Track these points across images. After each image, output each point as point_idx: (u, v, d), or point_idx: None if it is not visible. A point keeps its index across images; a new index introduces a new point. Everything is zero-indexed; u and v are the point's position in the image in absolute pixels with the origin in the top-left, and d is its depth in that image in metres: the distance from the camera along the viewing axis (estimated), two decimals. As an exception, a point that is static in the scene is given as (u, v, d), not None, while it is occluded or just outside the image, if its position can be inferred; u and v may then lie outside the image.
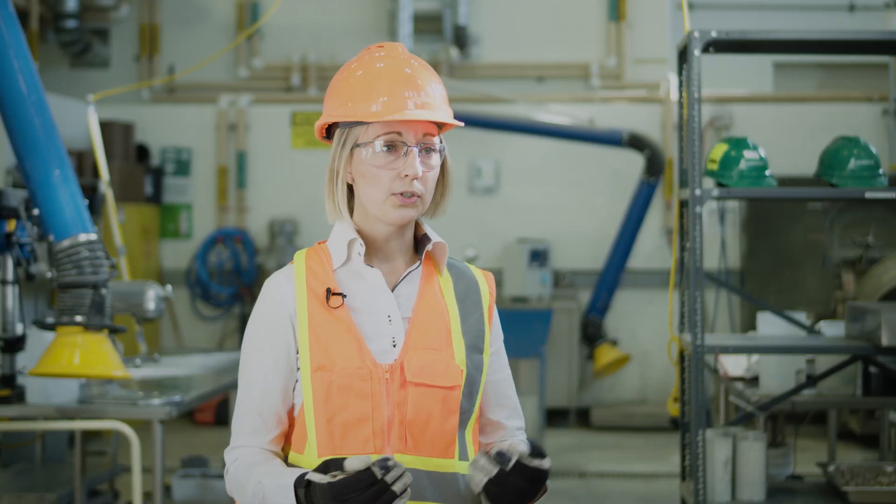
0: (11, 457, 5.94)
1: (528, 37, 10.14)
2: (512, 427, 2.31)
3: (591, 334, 9.36)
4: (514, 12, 10.16)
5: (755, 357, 5.58)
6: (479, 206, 9.81)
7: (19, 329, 4.57)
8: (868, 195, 4.70)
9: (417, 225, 2.27)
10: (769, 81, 10.74)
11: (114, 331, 4.31)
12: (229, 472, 2.18)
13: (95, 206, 7.86)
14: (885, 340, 4.59)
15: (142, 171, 9.65)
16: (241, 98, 9.99)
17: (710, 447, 4.77)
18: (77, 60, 10.23)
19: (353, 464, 1.95)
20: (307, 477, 2.00)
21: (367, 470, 1.93)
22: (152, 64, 10.28)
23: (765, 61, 10.61)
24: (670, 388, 8.83)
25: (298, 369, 2.16)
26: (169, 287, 5.50)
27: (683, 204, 5.01)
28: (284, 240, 9.65)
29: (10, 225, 4.48)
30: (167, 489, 5.93)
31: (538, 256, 9.32)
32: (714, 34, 4.73)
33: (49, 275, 4.29)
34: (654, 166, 9.11)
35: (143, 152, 9.87)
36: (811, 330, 5.26)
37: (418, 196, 2.16)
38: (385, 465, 1.93)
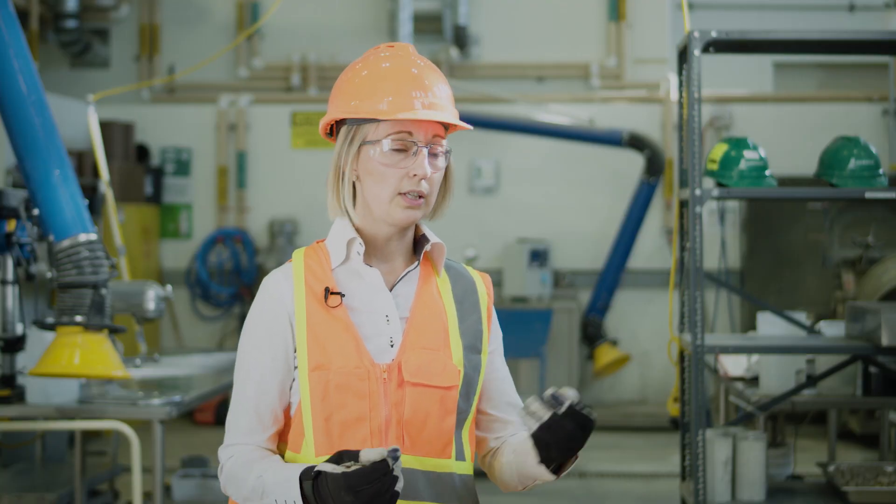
0: (11, 457, 5.94)
1: (528, 37, 10.14)
2: (519, 423, 2.31)
3: (591, 334, 9.36)
4: (514, 12, 10.16)
5: (755, 357, 5.58)
6: (479, 206, 9.81)
7: (19, 329, 4.57)
8: (868, 195, 4.70)
9: (416, 225, 2.27)
10: (769, 81, 10.74)
11: (114, 331, 4.31)
12: (224, 468, 2.18)
13: (95, 206, 7.85)
14: (885, 340, 4.59)
15: (142, 171, 9.65)
16: (241, 98, 9.99)
17: (710, 447, 4.77)
18: (77, 60, 10.23)
19: (369, 455, 1.95)
20: (318, 468, 1.99)
21: (383, 461, 1.93)
22: (152, 64, 10.28)
23: (765, 61, 10.60)
24: (670, 388, 8.83)
25: (296, 368, 2.16)
26: (169, 287, 5.50)
27: (683, 204, 5.01)
28: (284, 240, 9.65)
29: (10, 225, 4.48)
30: (167, 489, 5.93)
31: (538, 256, 9.32)
32: (714, 34, 4.73)
33: (49, 275, 4.29)
34: (654, 166, 9.11)
35: (143, 152, 9.87)
36: (811, 330, 5.26)
37: (424, 197, 2.16)
38: (395, 455, 1.94)
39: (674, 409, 5.25)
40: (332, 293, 2.16)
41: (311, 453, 2.12)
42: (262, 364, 2.17)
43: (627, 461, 7.96)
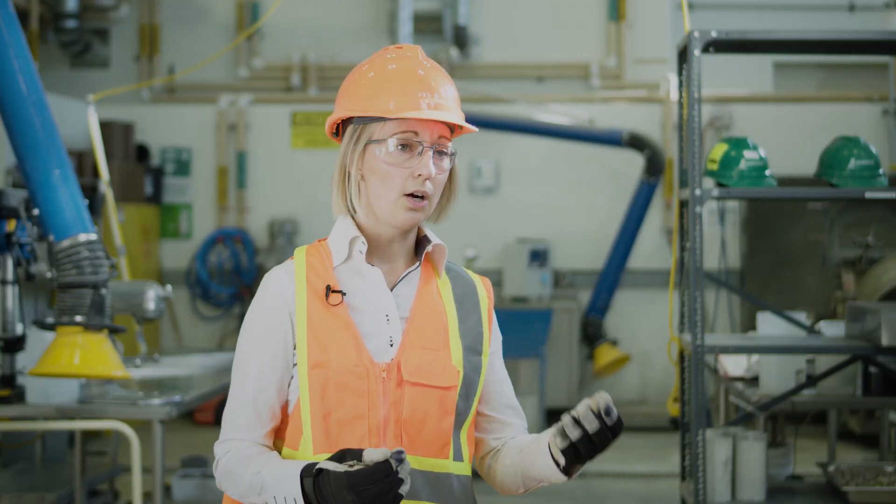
0: (11, 457, 5.94)
1: (528, 37, 10.14)
2: (517, 424, 2.32)
3: (591, 334, 9.36)
4: (514, 12, 10.16)
5: (755, 357, 5.58)
6: (479, 206, 9.81)
7: (19, 329, 4.57)
8: (868, 195, 4.70)
9: (419, 227, 2.27)
10: (769, 81, 10.74)
11: (114, 331, 4.31)
12: (220, 464, 2.17)
13: (95, 206, 7.86)
14: (885, 340, 4.59)
15: (142, 171, 9.65)
16: (241, 98, 9.99)
17: (710, 447, 4.77)
18: (77, 60, 10.23)
19: (373, 455, 1.95)
20: (319, 465, 1.99)
21: (386, 462, 1.93)
22: (152, 64, 10.28)
23: (765, 61, 10.61)
24: (670, 388, 8.82)
25: (295, 365, 2.16)
26: (169, 287, 5.50)
27: (683, 204, 5.01)
28: (284, 240, 9.65)
29: (10, 225, 4.48)
30: (167, 489, 5.93)
31: (538, 256, 9.32)
32: (714, 34, 4.72)
33: (49, 275, 4.29)
34: (654, 166, 9.11)
35: (143, 152, 9.87)
36: (811, 330, 5.26)
37: (427, 198, 2.16)
38: (399, 457, 1.93)
39: (674, 409, 5.25)
40: (334, 291, 2.16)
41: (309, 450, 2.11)
42: (261, 360, 2.17)
43: (627, 461, 7.95)
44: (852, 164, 4.76)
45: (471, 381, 2.21)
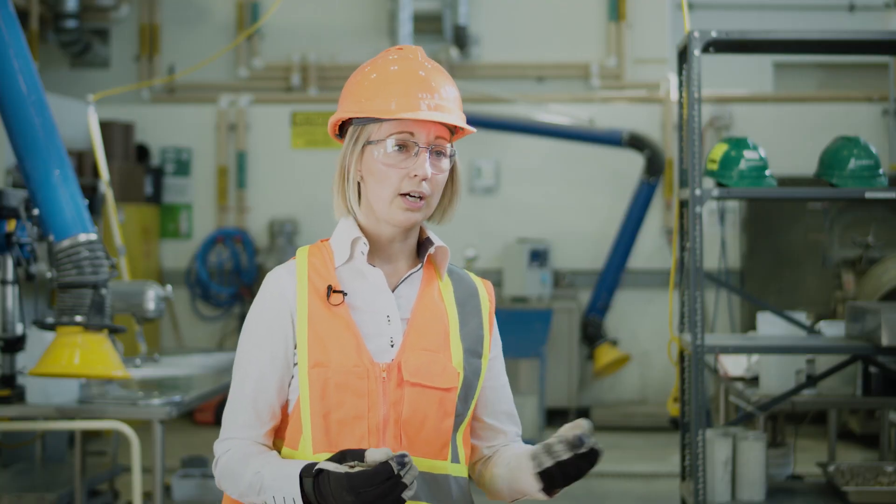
0: (11, 457, 5.94)
1: (528, 37, 10.14)
2: (511, 432, 2.32)
3: (591, 334, 9.36)
4: (514, 12, 10.16)
5: (755, 357, 5.58)
6: (479, 206, 9.81)
7: (19, 329, 4.57)
8: (868, 195, 4.70)
9: (421, 228, 2.28)
10: (769, 81, 10.74)
11: (114, 331, 4.31)
12: (220, 462, 2.17)
13: (95, 206, 7.86)
14: (885, 340, 4.59)
15: (142, 171, 9.65)
16: (241, 98, 9.99)
17: (710, 447, 4.77)
18: (77, 60, 10.23)
19: (374, 455, 1.95)
20: (319, 466, 1.99)
21: (386, 464, 1.93)
22: (152, 64, 10.28)
23: (765, 61, 10.61)
24: (670, 388, 8.82)
25: (295, 364, 2.17)
26: (169, 287, 5.50)
27: (683, 204, 5.01)
28: (284, 240, 9.65)
29: (10, 225, 4.48)
30: (167, 489, 5.93)
31: (538, 256, 9.32)
32: (714, 34, 4.72)
33: (49, 275, 4.29)
34: (654, 166, 9.11)
35: (143, 152, 9.87)
36: (811, 330, 5.26)
37: (425, 198, 2.16)
38: (402, 461, 1.93)
39: (674, 409, 5.25)
40: (335, 291, 2.17)
41: (309, 450, 2.12)
42: (261, 359, 2.18)
43: (627, 461, 7.96)
44: (852, 164, 4.76)
45: (470, 383, 2.21)
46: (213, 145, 10.05)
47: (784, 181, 5.13)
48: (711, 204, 8.52)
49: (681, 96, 5.04)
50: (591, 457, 2.08)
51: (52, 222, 4.23)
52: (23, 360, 4.53)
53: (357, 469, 1.95)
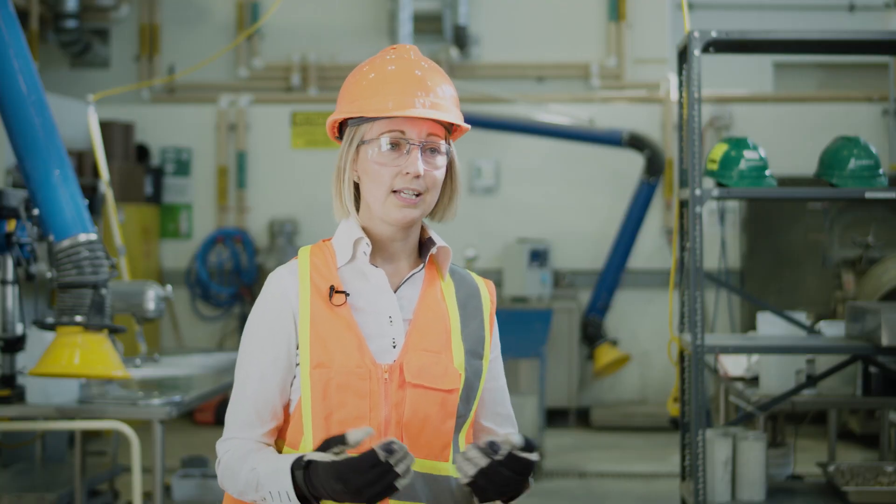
0: (11, 457, 5.94)
1: (528, 37, 10.14)
2: (501, 436, 2.31)
3: (591, 334, 9.36)
4: (514, 12, 10.16)
5: (755, 357, 5.58)
6: (479, 206, 9.81)
7: (19, 329, 4.57)
8: (868, 195, 4.70)
9: (423, 229, 2.28)
10: (769, 81, 10.74)
11: (114, 331, 4.31)
12: (221, 462, 2.19)
13: (95, 206, 7.86)
14: (885, 340, 4.59)
15: (142, 171, 9.65)
16: (241, 98, 9.99)
17: (710, 447, 4.77)
18: (77, 60, 10.23)
19: (355, 434, 1.96)
20: (307, 458, 2.00)
21: (371, 451, 1.94)
22: (152, 64, 10.28)
23: (765, 61, 10.61)
24: (670, 388, 8.82)
25: (297, 365, 2.17)
26: (169, 287, 5.50)
27: (683, 204, 5.01)
28: (284, 240, 9.65)
29: (10, 225, 4.48)
30: (167, 489, 5.93)
31: (538, 256, 9.32)
32: (714, 34, 4.72)
33: (49, 275, 4.29)
34: (654, 166, 9.11)
35: (143, 152, 9.87)
36: (811, 330, 5.26)
37: (419, 195, 2.16)
38: (389, 447, 1.94)
39: (674, 409, 5.25)
40: (337, 292, 2.17)
41: (310, 451, 2.12)
42: (263, 360, 2.18)
43: (627, 461, 7.96)
44: (852, 164, 4.76)
45: (472, 384, 2.22)
46: (213, 145, 10.05)
47: (784, 181, 5.13)
48: (711, 204, 8.52)
49: (681, 96, 5.04)
50: (517, 465, 2.05)
51: (52, 222, 4.23)
52: (23, 360, 4.53)
53: (342, 456, 1.96)
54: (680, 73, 5.06)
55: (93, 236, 4.26)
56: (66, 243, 4.22)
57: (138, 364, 5.53)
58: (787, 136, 9.44)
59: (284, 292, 2.18)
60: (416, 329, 2.18)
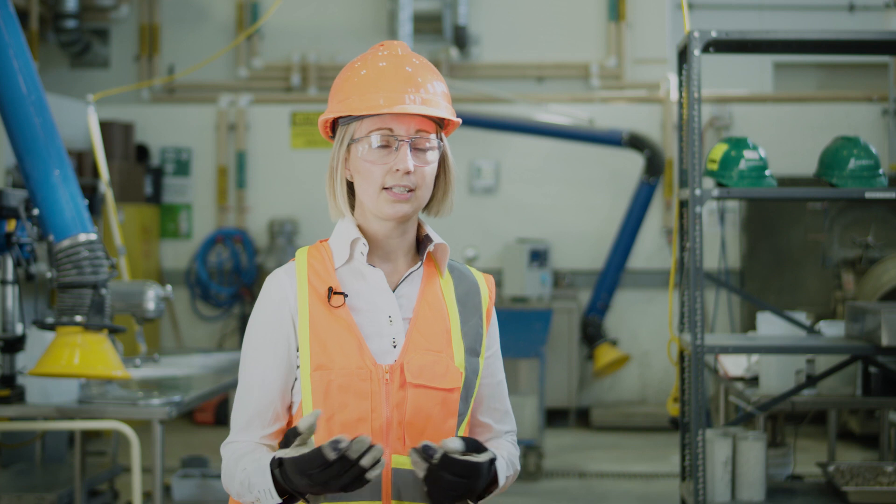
0: (11, 457, 5.94)
1: (528, 37, 10.14)
2: (501, 431, 2.31)
3: (591, 334, 9.36)
4: (514, 12, 10.16)
5: (755, 357, 5.58)
6: (479, 206, 9.81)
7: (19, 329, 4.57)
8: (868, 195, 4.69)
9: (419, 226, 2.27)
10: (769, 81, 10.74)
11: (114, 331, 4.31)
12: (222, 465, 2.20)
13: (95, 206, 7.86)
14: (885, 340, 4.59)
15: (142, 171, 9.65)
16: (241, 98, 9.99)
17: (710, 447, 4.77)
18: (77, 60, 10.23)
19: (304, 421, 1.98)
20: (277, 455, 2.02)
21: (318, 450, 1.94)
22: (152, 64, 10.28)
23: (765, 61, 10.60)
24: (670, 388, 8.82)
25: (298, 367, 2.16)
26: (169, 287, 5.50)
27: (683, 204, 5.01)
28: (284, 240, 9.65)
29: (10, 225, 4.48)
30: (167, 489, 5.93)
31: (538, 256, 9.32)
32: (714, 34, 4.72)
33: (49, 275, 4.29)
34: (654, 166, 9.11)
35: (143, 152, 9.87)
36: (811, 330, 5.25)
37: (411, 190, 2.16)
38: (336, 446, 1.93)
39: (674, 409, 5.25)
40: (336, 293, 2.16)
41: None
42: (264, 363, 2.18)
43: (627, 461, 7.96)
44: (852, 164, 4.76)
45: (470, 382, 2.22)
46: (212, 145, 10.04)
47: (784, 181, 5.13)
48: (711, 204, 8.52)
49: (681, 96, 5.04)
50: (457, 468, 2.02)
51: (52, 222, 4.23)
52: (23, 360, 4.53)
53: (301, 450, 1.97)
54: (680, 73, 5.06)
55: (93, 236, 4.26)
56: (65, 243, 4.22)
57: (138, 364, 5.53)
58: (787, 136, 9.44)
59: (283, 295, 2.18)
60: (416, 328, 2.18)
